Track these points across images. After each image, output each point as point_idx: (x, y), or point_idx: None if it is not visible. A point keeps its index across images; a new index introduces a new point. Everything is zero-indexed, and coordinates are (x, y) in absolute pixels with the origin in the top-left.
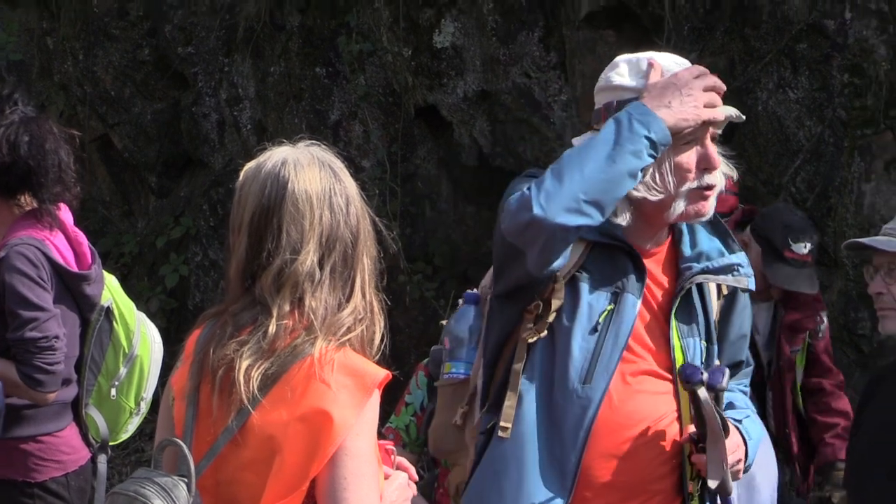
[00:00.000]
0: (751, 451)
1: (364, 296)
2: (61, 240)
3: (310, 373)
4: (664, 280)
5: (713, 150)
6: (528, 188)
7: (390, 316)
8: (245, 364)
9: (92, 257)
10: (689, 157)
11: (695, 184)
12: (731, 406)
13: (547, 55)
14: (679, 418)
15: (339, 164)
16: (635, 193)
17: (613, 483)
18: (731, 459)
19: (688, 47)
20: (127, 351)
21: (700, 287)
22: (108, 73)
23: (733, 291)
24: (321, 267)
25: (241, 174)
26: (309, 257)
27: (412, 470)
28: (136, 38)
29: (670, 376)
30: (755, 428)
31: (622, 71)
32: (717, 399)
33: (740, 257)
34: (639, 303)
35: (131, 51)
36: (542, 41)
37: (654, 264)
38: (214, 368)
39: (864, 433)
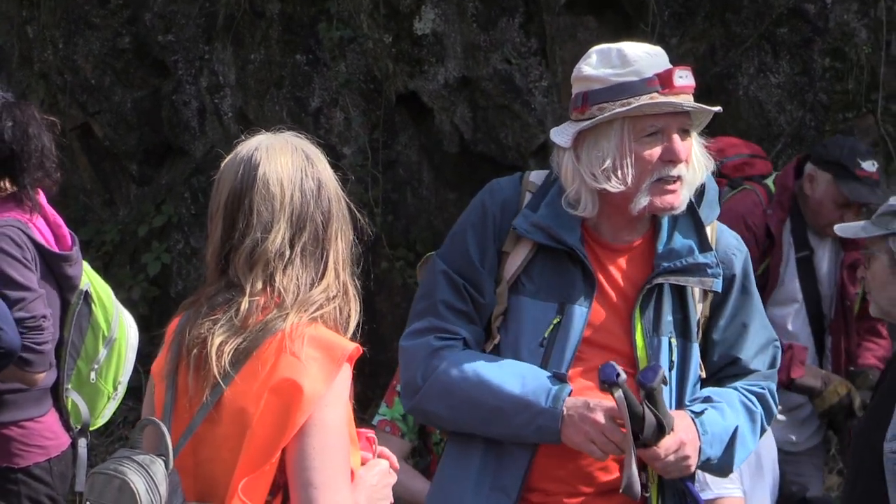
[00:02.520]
0: (706, 446)
1: (337, 276)
2: (41, 223)
3: (280, 347)
4: (636, 275)
5: (679, 143)
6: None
7: (373, 302)
8: (218, 341)
9: (71, 240)
10: (651, 150)
11: (655, 176)
12: (708, 399)
13: (528, 41)
14: None
15: (313, 150)
16: (595, 185)
17: (558, 476)
18: (672, 457)
19: (668, 33)
20: (106, 334)
21: (682, 287)
22: (89, 62)
23: (729, 285)
24: (292, 246)
25: (222, 165)
26: (279, 236)
27: (394, 459)
28: (116, 27)
29: (633, 371)
30: (718, 421)
31: (592, 61)
32: (650, 397)
33: (709, 257)
34: (587, 311)
35: (111, 39)
36: (522, 27)
37: (630, 258)
38: (189, 348)
39: (866, 415)
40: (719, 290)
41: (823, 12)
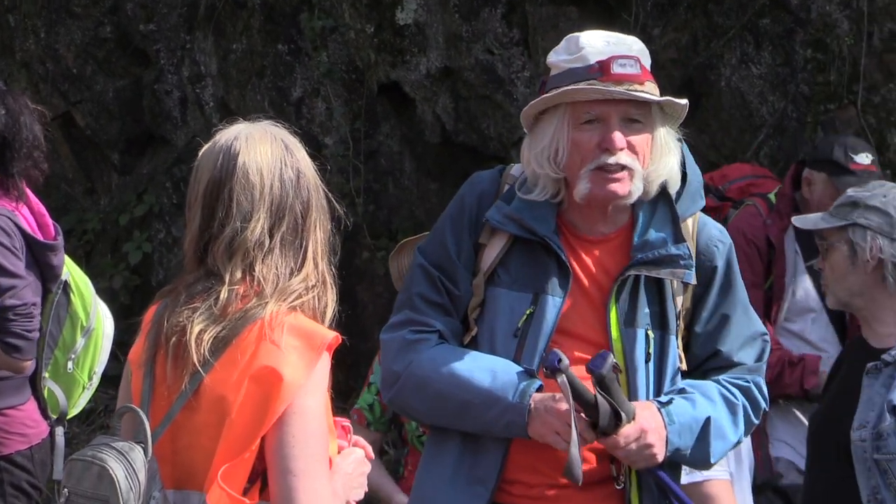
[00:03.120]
0: (673, 436)
1: (316, 266)
2: (26, 212)
3: (260, 335)
4: (613, 266)
5: (616, 132)
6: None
7: (354, 292)
8: (197, 329)
9: (55, 230)
10: (588, 137)
11: (593, 164)
12: (682, 391)
13: (510, 31)
14: None
15: (292, 140)
16: (539, 169)
17: (535, 467)
18: (634, 445)
19: (651, 23)
20: (85, 324)
21: (660, 279)
22: (70, 51)
23: (710, 277)
24: (271, 235)
25: (200, 153)
26: (259, 225)
27: (369, 448)
28: (98, 16)
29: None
30: (687, 411)
31: (558, 48)
32: (601, 384)
33: (681, 248)
34: (561, 301)
35: (93, 28)
36: (504, 17)
37: (606, 249)
38: (168, 336)
39: (822, 407)
40: (692, 282)
41: (805, 3)
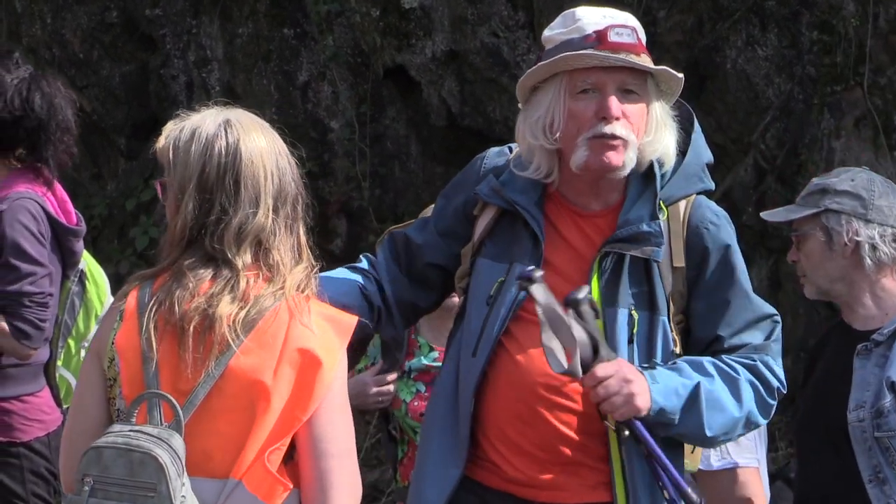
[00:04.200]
0: (656, 395)
1: (308, 251)
2: (51, 197)
3: (289, 318)
4: (599, 242)
5: (613, 100)
6: None
7: None
8: (224, 312)
9: (76, 217)
10: (585, 106)
11: (591, 133)
12: (668, 364)
13: (515, 14)
14: None
15: (268, 126)
16: (534, 141)
17: (523, 449)
18: (613, 380)
19: (656, 5)
20: (99, 313)
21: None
22: (77, 36)
23: (701, 259)
24: (275, 221)
25: (168, 138)
26: (266, 211)
27: None
28: (104, 1)
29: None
30: (671, 375)
31: (553, 24)
32: (577, 312)
33: (653, 226)
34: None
35: (99, 13)
36: (510, 0)
37: (595, 226)
38: (184, 322)
39: (808, 393)
40: (659, 259)
41: None
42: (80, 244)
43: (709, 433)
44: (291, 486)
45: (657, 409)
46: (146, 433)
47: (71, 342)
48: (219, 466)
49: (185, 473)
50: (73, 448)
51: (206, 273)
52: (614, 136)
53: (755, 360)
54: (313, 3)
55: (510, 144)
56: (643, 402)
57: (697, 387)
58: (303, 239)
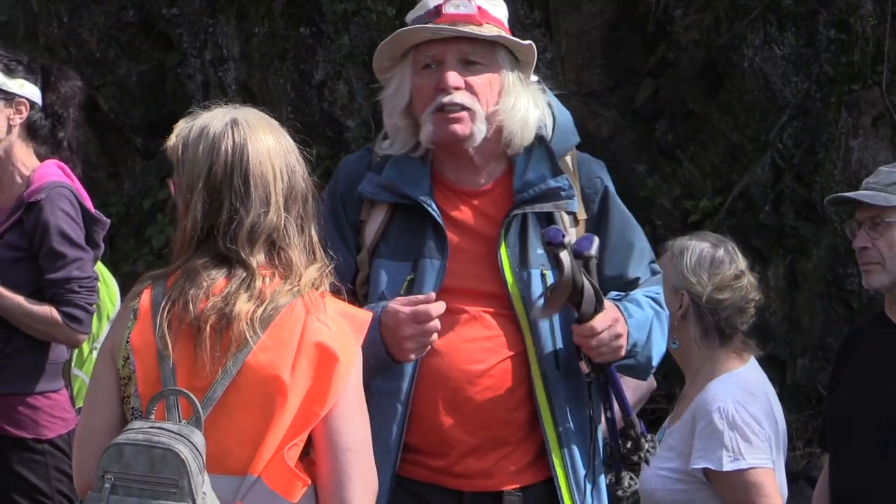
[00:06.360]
0: (632, 329)
1: (321, 249)
2: (80, 188)
3: (305, 314)
4: (498, 214)
5: (450, 71)
6: None
7: None
8: (241, 310)
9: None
10: (426, 81)
11: (434, 106)
12: (617, 298)
13: (531, 13)
14: (524, 351)
15: (277, 124)
16: (388, 120)
17: (455, 437)
18: (606, 333)
19: (673, 4)
20: (111, 314)
21: (550, 216)
22: (93, 35)
23: (601, 208)
24: (287, 220)
25: (178, 137)
26: (280, 210)
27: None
28: (121, 0)
29: (508, 312)
30: (636, 308)
31: (417, 7)
32: (586, 267)
33: (560, 181)
34: (440, 262)
35: (116, 12)
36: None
37: (489, 199)
38: (200, 321)
39: (845, 388)
40: (575, 210)
41: None
42: (103, 236)
43: (654, 363)
44: (309, 482)
45: (631, 343)
46: (167, 430)
47: (84, 344)
48: (237, 463)
49: (205, 470)
50: (86, 448)
51: (220, 272)
52: (455, 106)
53: (659, 294)
54: (329, 3)
55: (368, 146)
56: (625, 344)
57: (651, 321)
58: (315, 238)
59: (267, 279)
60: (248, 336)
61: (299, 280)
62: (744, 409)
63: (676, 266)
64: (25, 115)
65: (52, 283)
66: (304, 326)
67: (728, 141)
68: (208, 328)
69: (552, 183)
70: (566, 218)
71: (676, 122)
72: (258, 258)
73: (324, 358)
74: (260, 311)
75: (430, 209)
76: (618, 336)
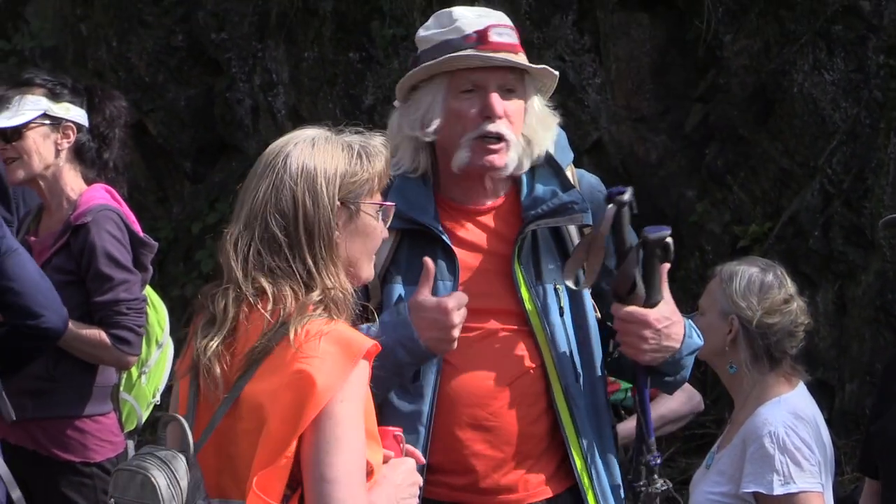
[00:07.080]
0: (687, 347)
1: (321, 276)
2: (128, 211)
3: (297, 343)
4: (508, 232)
5: (496, 98)
6: None
7: None
8: (239, 340)
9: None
10: (468, 105)
11: (475, 133)
12: None
13: (581, 38)
14: (541, 365)
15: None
16: (409, 132)
17: (479, 454)
18: (664, 327)
19: (723, 30)
20: (160, 339)
21: (557, 230)
22: (142, 60)
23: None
24: (290, 248)
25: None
26: (279, 240)
27: (419, 454)
28: (170, 25)
29: (525, 328)
30: (692, 330)
31: (427, 24)
32: (651, 254)
33: (572, 195)
34: (452, 284)
35: (165, 37)
36: (575, 24)
37: (496, 217)
38: (207, 350)
39: (892, 418)
40: (590, 223)
41: (878, 9)
42: (151, 260)
43: (686, 376)
44: None
45: (680, 356)
46: (157, 456)
47: (132, 368)
48: (237, 488)
49: (203, 495)
50: None
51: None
52: (499, 137)
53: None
54: (378, 28)
55: None
56: (677, 348)
57: (695, 347)
58: (311, 266)
59: (269, 307)
60: (247, 365)
61: (300, 309)
62: (794, 434)
63: (726, 291)
64: (73, 138)
65: (99, 305)
66: (293, 356)
67: (777, 166)
68: (215, 358)
69: (565, 198)
70: (573, 231)
71: (726, 147)
72: (260, 286)
73: (302, 384)
74: (260, 341)
75: (438, 233)
76: (674, 334)
